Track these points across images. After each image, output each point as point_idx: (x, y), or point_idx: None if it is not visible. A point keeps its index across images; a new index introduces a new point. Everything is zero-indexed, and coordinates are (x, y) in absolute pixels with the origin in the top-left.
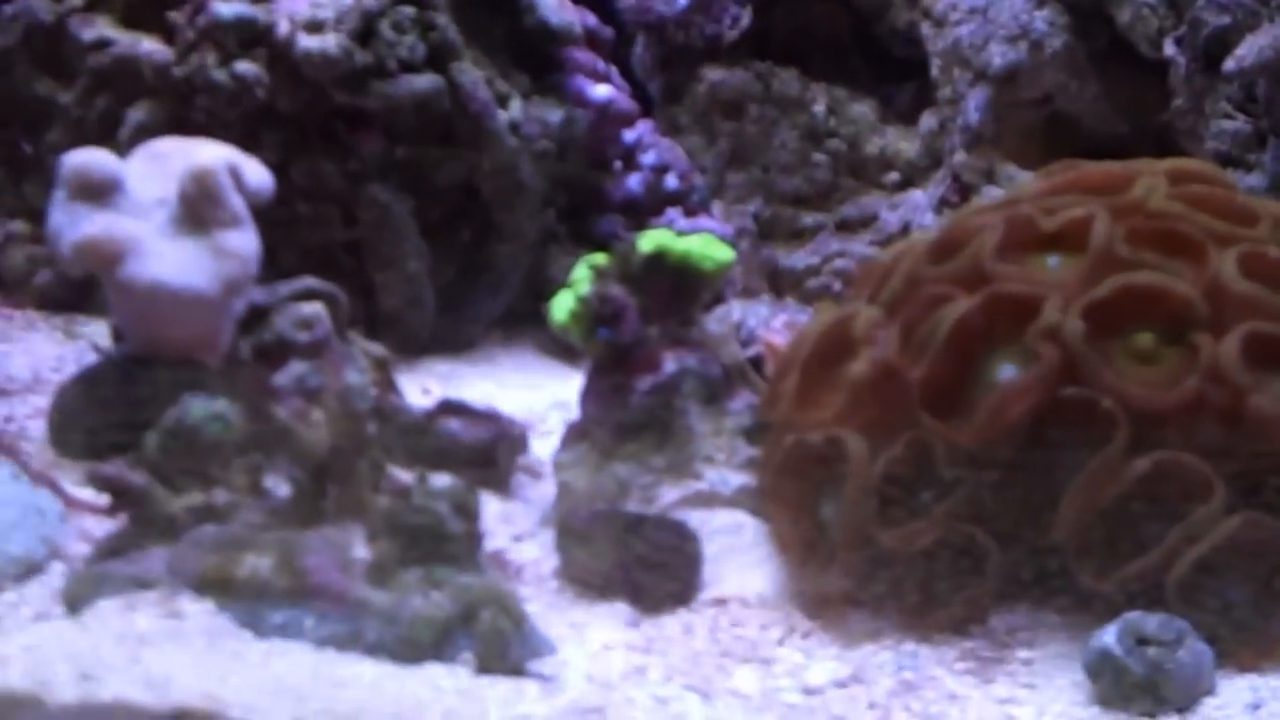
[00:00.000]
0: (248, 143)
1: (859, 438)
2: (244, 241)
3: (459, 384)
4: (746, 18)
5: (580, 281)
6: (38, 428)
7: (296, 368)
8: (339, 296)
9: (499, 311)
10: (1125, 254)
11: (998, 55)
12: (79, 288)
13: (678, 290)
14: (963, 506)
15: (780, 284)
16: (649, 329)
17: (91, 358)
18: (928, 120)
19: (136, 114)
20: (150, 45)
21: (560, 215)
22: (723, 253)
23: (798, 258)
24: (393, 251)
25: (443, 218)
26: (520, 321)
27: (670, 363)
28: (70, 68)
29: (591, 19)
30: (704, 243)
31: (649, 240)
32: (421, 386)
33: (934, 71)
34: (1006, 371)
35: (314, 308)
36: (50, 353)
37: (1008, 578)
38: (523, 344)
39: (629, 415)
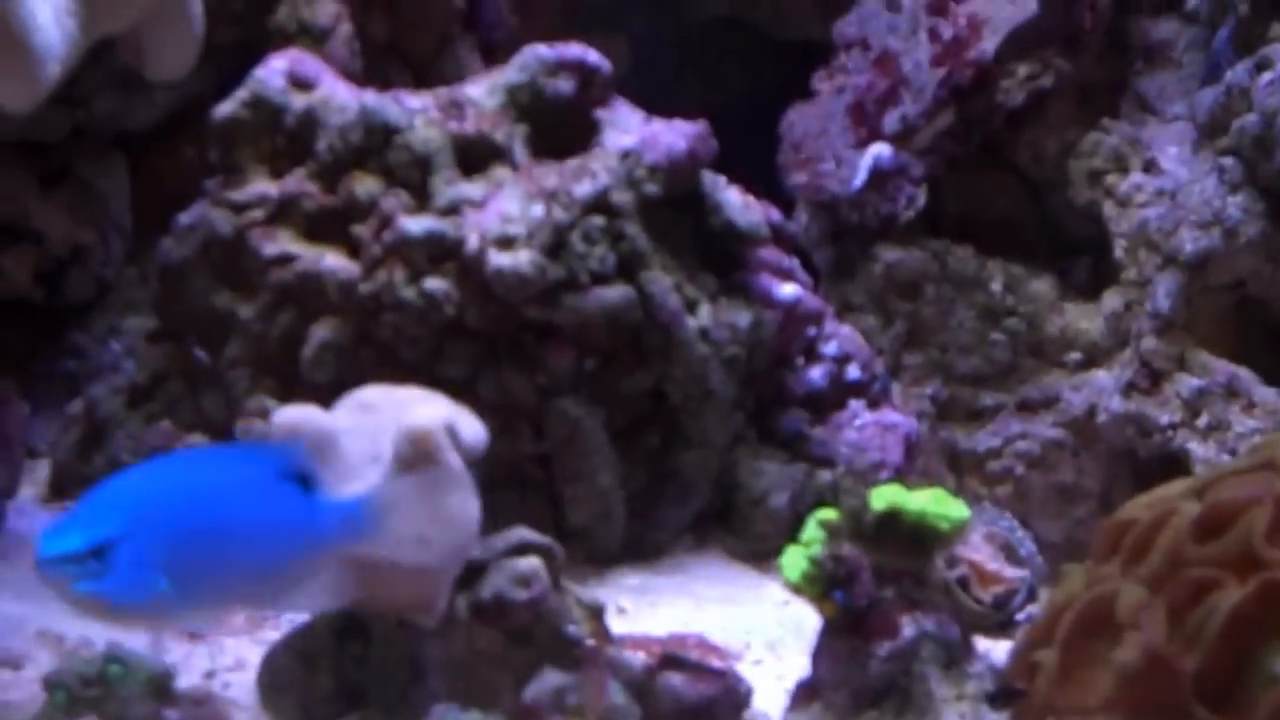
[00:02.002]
0: (434, 358)
1: None
2: (465, 505)
3: (653, 600)
4: (922, 198)
5: (812, 541)
6: (242, 684)
7: (553, 678)
8: (555, 549)
9: (689, 519)
10: None
11: (1189, 241)
12: None
13: (911, 549)
14: None
15: (960, 467)
16: (883, 590)
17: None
18: (1111, 300)
19: (320, 331)
20: (334, 261)
21: (747, 415)
22: (958, 511)
23: (978, 439)
24: (583, 465)
25: (628, 424)
26: (708, 525)
27: (908, 626)
28: (250, 281)
29: (775, 213)
30: (937, 500)
31: (881, 498)
32: (616, 605)
33: (1118, 252)
34: None
35: (531, 563)
36: None
37: None
38: (712, 549)
39: (867, 682)
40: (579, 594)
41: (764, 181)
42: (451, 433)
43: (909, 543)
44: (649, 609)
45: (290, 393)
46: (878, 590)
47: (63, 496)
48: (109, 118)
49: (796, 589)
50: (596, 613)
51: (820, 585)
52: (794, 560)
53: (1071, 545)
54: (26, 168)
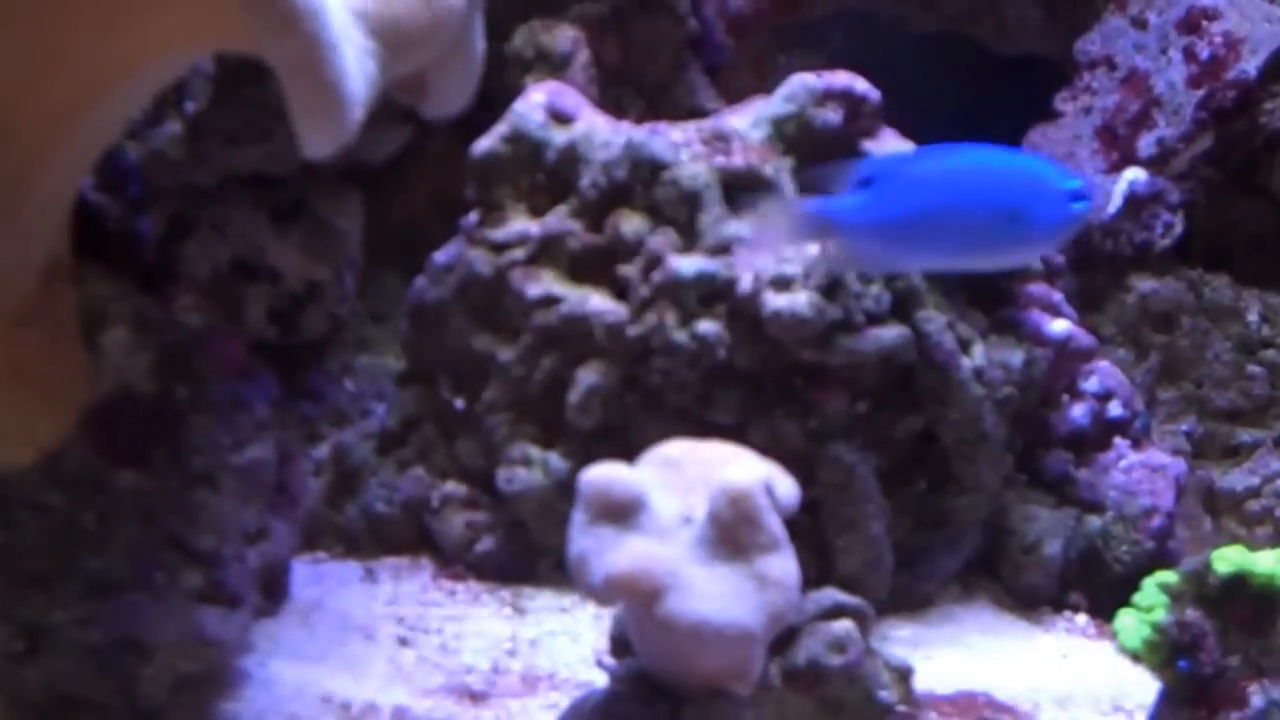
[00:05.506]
0: (702, 403)
1: None
2: (786, 568)
3: (926, 653)
4: (1180, 225)
5: (1153, 606)
6: None
7: None
8: (867, 611)
9: (957, 567)
10: None
11: None
12: (525, 556)
13: (1259, 614)
14: None
15: (1216, 507)
16: (1229, 658)
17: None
18: None
19: (588, 376)
20: (600, 302)
21: (1015, 457)
22: None
23: (1235, 478)
24: (855, 513)
25: (894, 467)
26: (973, 572)
27: (1257, 696)
28: (511, 323)
29: None
30: None
31: (1225, 561)
32: None
33: None
34: None
35: (845, 627)
36: (502, 632)
37: None
38: (980, 598)
39: None
40: (887, 656)
41: None
42: (769, 491)
43: (1257, 606)
44: (923, 663)
45: (552, 439)
46: (1223, 658)
47: (315, 547)
48: (344, 152)
49: (1135, 656)
50: (904, 675)
51: (1163, 653)
52: (1132, 626)
53: None
54: (260, 203)
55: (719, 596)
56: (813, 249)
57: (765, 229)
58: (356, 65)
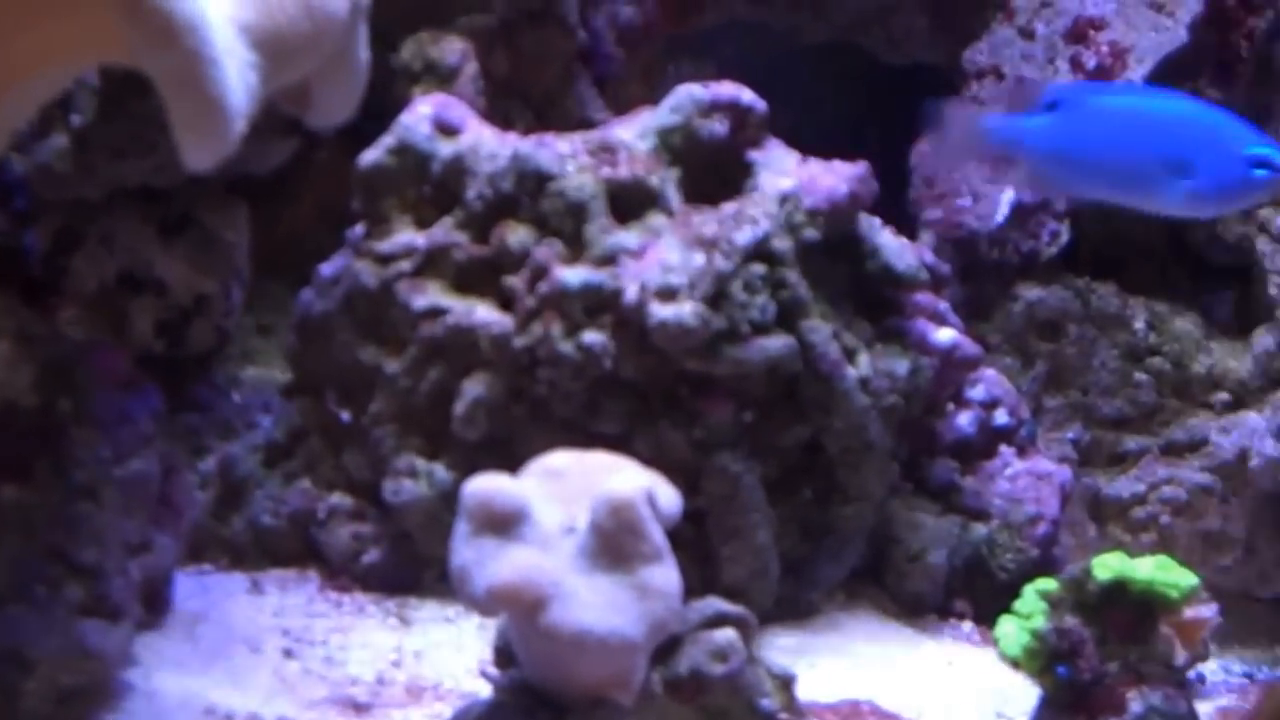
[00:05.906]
0: (588, 414)
1: None
2: (668, 577)
3: (810, 661)
4: (1066, 233)
5: (1032, 613)
6: None
7: None
8: (749, 620)
9: (843, 575)
10: None
11: None
12: (411, 567)
13: (1138, 620)
14: None
15: (1102, 514)
16: (1108, 664)
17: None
18: (1263, 339)
19: (473, 387)
20: (486, 314)
21: (900, 466)
22: (1186, 579)
23: (1121, 485)
24: (741, 523)
25: (782, 476)
26: (859, 580)
27: (1135, 702)
28: (397, 335)
29: (927, 254)
30: (1162, 567)
31: (1104, 568)
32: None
33: (1271, 290)
34: None
35: (727, 635)
36: (387, 643)
37: None
38: (864, 606)
39: None
40: (769, 664)
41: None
42: (651, 501)
43: (1136, 613)
44: (807, 671)
45: (438, 450)
46: (1102, 664)
47: (200, 559)
48: (231, 164)
49: (1015, 663)
50: (786, 683)
51: (1042, 659)
52: (1012, 633)
53: (1215, 595)
54: (147, 216)
55: (601, 606)
56: None
57: (949, 141)
58: (239, 78)
